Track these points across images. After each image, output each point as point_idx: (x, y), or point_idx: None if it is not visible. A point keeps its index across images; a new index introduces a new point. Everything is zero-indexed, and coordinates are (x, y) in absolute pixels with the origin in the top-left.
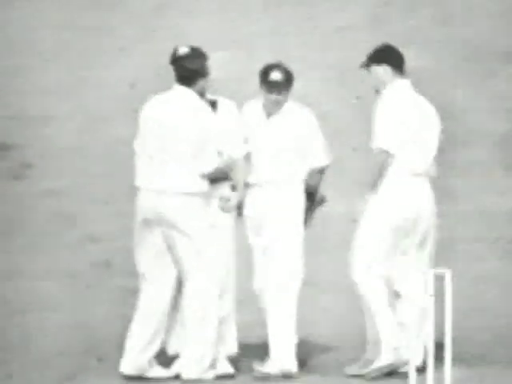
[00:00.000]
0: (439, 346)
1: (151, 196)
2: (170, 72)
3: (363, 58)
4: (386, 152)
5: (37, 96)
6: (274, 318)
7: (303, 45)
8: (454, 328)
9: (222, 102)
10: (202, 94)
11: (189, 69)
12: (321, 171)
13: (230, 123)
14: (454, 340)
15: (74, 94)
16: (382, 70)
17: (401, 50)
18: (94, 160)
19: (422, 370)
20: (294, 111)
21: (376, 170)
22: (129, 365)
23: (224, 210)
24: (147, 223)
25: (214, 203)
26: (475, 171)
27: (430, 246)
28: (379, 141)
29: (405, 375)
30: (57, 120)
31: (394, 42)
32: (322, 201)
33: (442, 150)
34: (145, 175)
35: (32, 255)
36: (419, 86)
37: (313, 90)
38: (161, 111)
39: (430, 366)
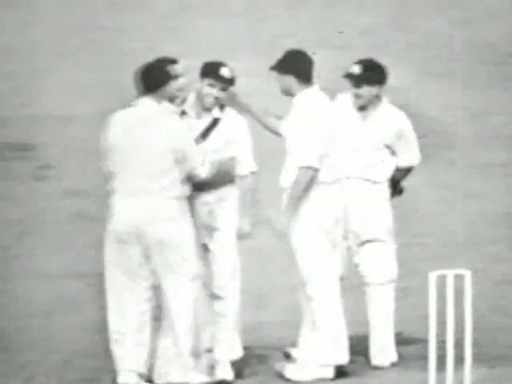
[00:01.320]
0: (459, 347)
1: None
2: (193, 73)
3: (386, 60)
4: (313, 168)
5: (58, 97)
6: (376, 313)
7: (324, 46)
8: (474, 329)
9: (232, 117)
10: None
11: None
12: (410, 168)
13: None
14: (474, 341)
15: (95, 94)
16: (288, 80)
17: (421, 52)
18: None
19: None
20: (390, 110)
21: (302, 186)
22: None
23: (241, 238)
24: None
25: (214, 208)
26: (496, 172)
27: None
28: (305, 159)
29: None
30: (78, 121)
31: (414, 44)
32: (401, 191)
33: (463, 151)
34: None
35: (53, 256)
36: (439, 88)
37: (336, 91)
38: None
39: (450, 366)
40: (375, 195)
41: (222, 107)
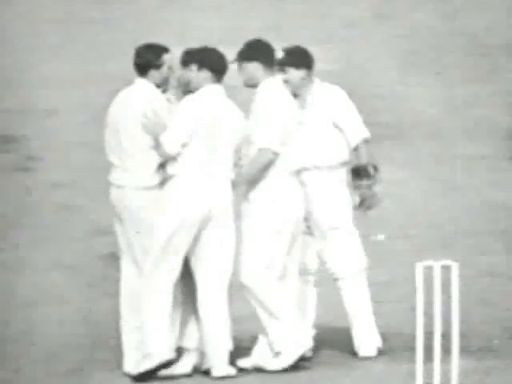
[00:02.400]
0: (446, 338)
1: (112, 190)
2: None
3: (370, 52)
4: (274, 152)
5: (43, 89)
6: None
7: (309, 39)
8: (461, 321)
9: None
10: (160, 86)
11: (141, 58)
12: (364, 145)
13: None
14: (461, 332)
15: (80, 87)
16: (253, 68)
17: (405, 44)
18: (100, 153)
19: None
20: (325, 89)
21: (257, 167)
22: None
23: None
24: (119, 219)
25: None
26: (482, 165)
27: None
28: (266, 140)
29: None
30: (63, 113)
31: (398, 36)
32: (376, 169)
33: (447, 144)
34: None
35: (38, 248)
36: (423, 80)
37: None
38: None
39: (437, 358)
40: (329, 182)
41: None
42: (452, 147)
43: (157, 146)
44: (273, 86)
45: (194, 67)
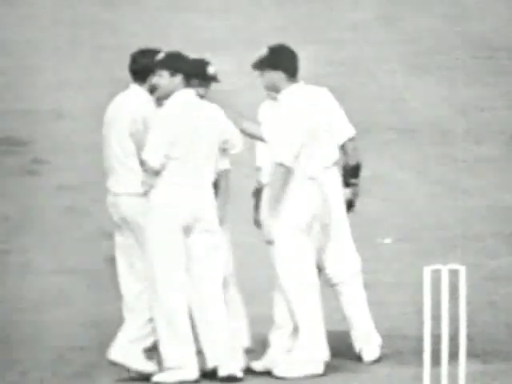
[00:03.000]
0: (453, 341)
1: (109, 197)
2: None
3: (375, 54)
4: (286, 166)
5: (50, 92)
6: (355, 307)
7: (315, 41)
8: (468, 324)
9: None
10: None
11: (137, 64)
12: (351, 143)
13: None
14: (468, 336)
15: (86, 90)
16: (276, 76)
17: (412, 46)
18: None
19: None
20: (311, 91)
21: (279, 183)
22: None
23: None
24: (117, 225)
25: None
26: (488, 167)
27: None
28: (279, 155)
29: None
30: (70, 116)
31: (405, 39)
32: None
33: (454, 146)
34: None
35: (45, 251)
36: (430, 83)
37: (326, 85)
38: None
39: (444, 362)
40: (328, 181)
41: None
42: (458, 149)
43: (141, 161)
44: (295, 94)
45: (165, 73)
